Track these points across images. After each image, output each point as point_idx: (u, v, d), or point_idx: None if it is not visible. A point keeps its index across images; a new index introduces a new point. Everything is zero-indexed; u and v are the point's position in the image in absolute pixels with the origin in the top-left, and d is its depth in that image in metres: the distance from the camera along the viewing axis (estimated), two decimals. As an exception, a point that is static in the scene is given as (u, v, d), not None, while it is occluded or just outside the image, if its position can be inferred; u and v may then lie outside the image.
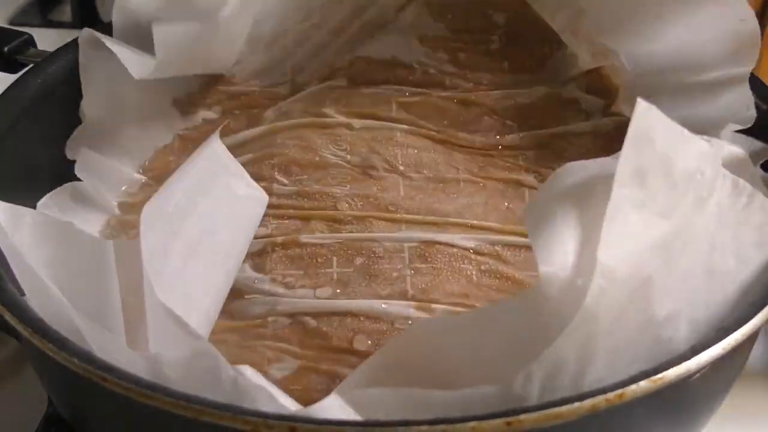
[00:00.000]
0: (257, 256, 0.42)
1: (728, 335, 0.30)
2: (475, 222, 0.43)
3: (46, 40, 0.51)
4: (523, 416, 0.27)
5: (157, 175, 0.47)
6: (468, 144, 0.48)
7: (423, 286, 0.40)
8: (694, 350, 0.29)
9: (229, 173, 0.42)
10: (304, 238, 0.42)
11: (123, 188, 0.47)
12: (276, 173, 0.45)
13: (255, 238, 0.42)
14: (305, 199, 0.44)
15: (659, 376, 0.28)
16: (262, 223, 0.43)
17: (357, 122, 0.47)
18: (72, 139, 0.45)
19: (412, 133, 0.47)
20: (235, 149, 0.45)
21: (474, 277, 0.41)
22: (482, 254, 0.42)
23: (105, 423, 0.34)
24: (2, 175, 0.41)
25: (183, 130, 0.49)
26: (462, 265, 0.41)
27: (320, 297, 0.40)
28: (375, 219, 0.43)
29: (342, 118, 0.48)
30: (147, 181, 0.48)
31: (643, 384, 0.28)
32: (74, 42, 0.45)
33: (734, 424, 0.40)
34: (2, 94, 0.44)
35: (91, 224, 0.45)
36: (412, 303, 0.39)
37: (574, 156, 0.46)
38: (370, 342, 0.38)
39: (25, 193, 0.42)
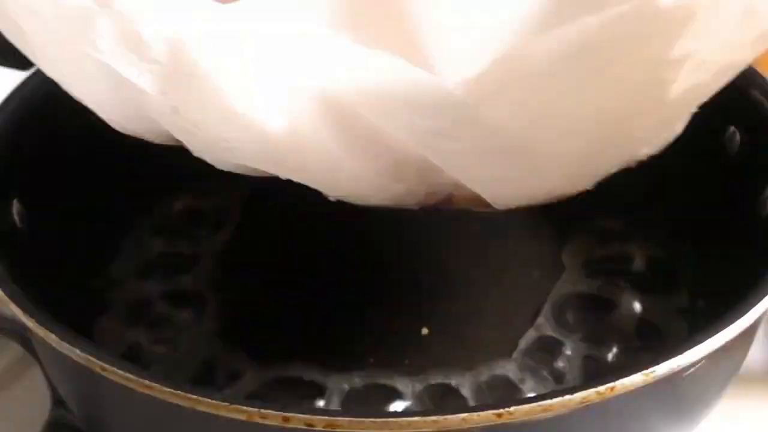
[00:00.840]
0: None
1: (722, 330, 0.30)
2: None
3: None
4: (513, 408, 0.27)
5: None
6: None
7: None
8: (688, 345, 0.29)
9: None
10: None
11: None
12: None
13: None
14: None
15: (651, 370, 0.28)
16: None
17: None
18: None
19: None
20: None
21: None
22: None
23: (106, 411, 0.34)
24: (16, 168, 0.42)
25: None
26: None
27: None
28: None
29: None
30: None
31: (635, 378, 0.28)
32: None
33: (735, 426, 0.40)
34: (14, 90, 0.45)
35: None
36: None
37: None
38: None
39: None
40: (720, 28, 0.27)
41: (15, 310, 0.33)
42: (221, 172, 0.33)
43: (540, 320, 0.42)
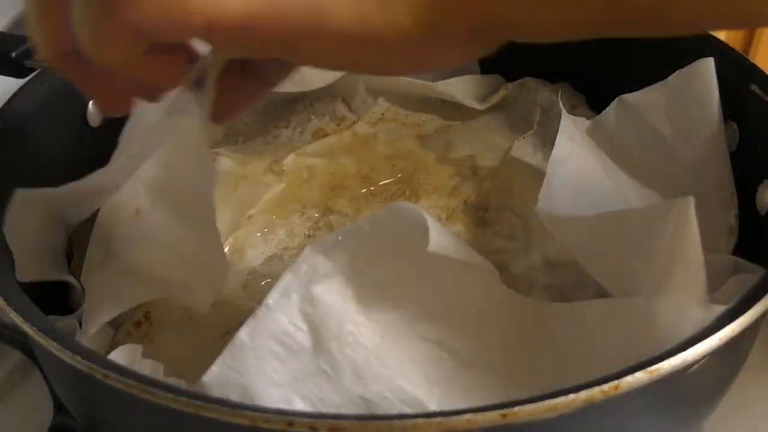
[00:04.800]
0: None
1: (725, 326, 0.30)
2: None
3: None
4: (517, 408, 0.27)
5: None
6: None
7: None
8: (691, 341, 0.29)
9: None
10: None
11: None
12: None
13: None
14: None
15: (655, 367, 0.28)
16: None
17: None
18: None
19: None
20: None
21: None
22: None
23: (109, 418, 0.34)
24: (11, 178, 0.42)
25: None
26: None
27: None
28: None
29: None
30: None
31: (639, 375, 0.28)
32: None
33: (738, 423, 0.40)
34: (11, 98, 0.45)
35: None
36: None
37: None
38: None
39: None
40: None
41: (15, 318, 0.33)
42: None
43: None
